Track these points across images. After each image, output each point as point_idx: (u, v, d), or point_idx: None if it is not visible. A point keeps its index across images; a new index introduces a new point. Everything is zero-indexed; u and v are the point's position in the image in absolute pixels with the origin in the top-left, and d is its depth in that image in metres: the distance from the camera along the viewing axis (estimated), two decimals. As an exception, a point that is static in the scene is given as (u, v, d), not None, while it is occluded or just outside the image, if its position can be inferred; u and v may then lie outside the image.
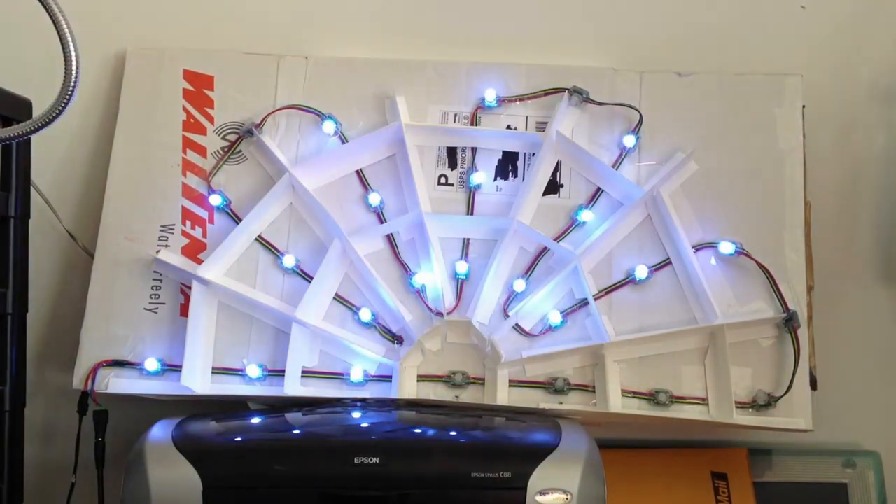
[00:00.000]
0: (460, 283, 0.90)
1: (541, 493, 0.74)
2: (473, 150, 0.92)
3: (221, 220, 0.91)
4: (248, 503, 0.76)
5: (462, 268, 0.89)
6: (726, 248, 0.88)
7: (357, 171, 0.92)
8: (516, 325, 0.89)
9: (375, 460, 0.75)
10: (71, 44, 0.66)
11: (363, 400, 0.87)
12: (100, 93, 0.95)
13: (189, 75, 0.94)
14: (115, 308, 0.89)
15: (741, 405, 0.86)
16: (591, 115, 0.92)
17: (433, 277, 0.89)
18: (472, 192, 0.91)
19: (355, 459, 0.75)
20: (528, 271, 0.90)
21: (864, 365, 0.98)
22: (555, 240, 0.89)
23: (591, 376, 0.88)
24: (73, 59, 0.67)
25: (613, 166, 0.91)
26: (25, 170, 0.88)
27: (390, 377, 0.88)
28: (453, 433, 0.82)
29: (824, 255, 0.94)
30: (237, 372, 0.89)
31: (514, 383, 0.88)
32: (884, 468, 0.97)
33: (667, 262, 0.89)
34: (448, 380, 0.88)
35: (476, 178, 0.91)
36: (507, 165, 0.92)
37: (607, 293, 0.89)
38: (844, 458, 0.97)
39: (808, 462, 0.97)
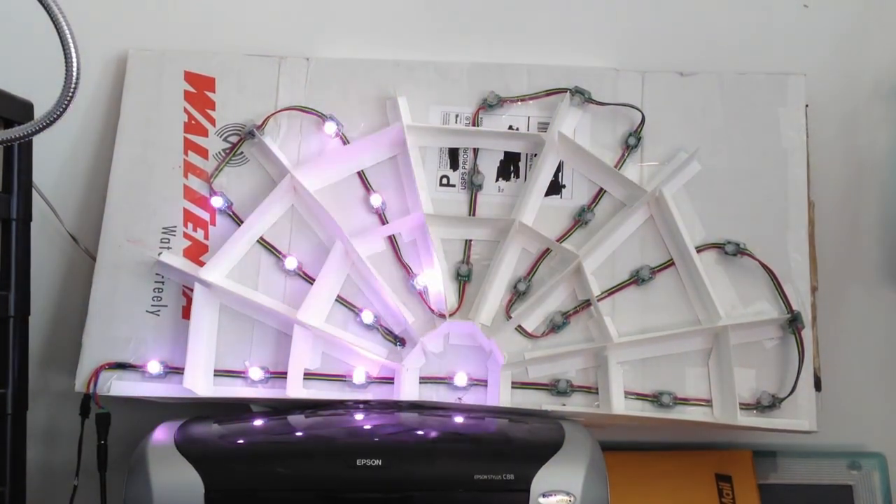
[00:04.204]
0: (462, 285, 0.89)
1: (544, 496, 0.74)
2: (475, 150, 0.92)
3: (223, 222, 0.91)
4: (250, 506, 0.76)
5: (464, 269, 0.89)
6: (729, 248, 0.88)
7: (358, 173, 0.92)
8: (519, 326, 0.88)
9: (378, 462, 0.75)
10: (72, 46, 0.66)
11: (365, 402, 0.87)
12: (101, 95, 0.95)
13: (190, 77, 0.94)
14: (117, 310, 0.89)
15: (745, 407, 0.85)
16: (593, 116, 0.92)
17: (435, 279, 0.89)
18: (473, 193, 0.91)
19: (357, 461, 0.75)
20: (531, 272, 0.89)
21: (869, 366, 0.98)
22: (557, 241, 0.89)
23: (594, 378, 0.87)
24: (74, 60, 0.67)
25: (616, 167, 0.90)
26: (27, 172, 0.88)
27: (392, 379, 0.88)
28: (456, 435, 0.82)
29: (828, 255, 0.93)
30: (239, 374, 0.88)
31: (516, 385, 0.88)
32: (889, 470, 0.96)
33: (670, 263, 0.89)
34: (451, 381, 0.88)
35: (478, 178, 0.91)
36: (509, 166, 0.92)
37: (610, 294, 0.88)
38: (849, 460, 0.96)
39: (812, 464, 0.96)
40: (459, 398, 0.88)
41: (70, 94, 0.67)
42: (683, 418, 0.86)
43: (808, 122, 0.91)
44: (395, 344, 0.89)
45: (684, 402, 0.86)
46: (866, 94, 0.97)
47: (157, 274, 0.90)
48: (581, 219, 0.90)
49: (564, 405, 0.87)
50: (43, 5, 0.66)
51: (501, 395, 0.87)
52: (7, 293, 0.86)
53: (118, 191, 0.92)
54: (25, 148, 0.88)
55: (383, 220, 0.91)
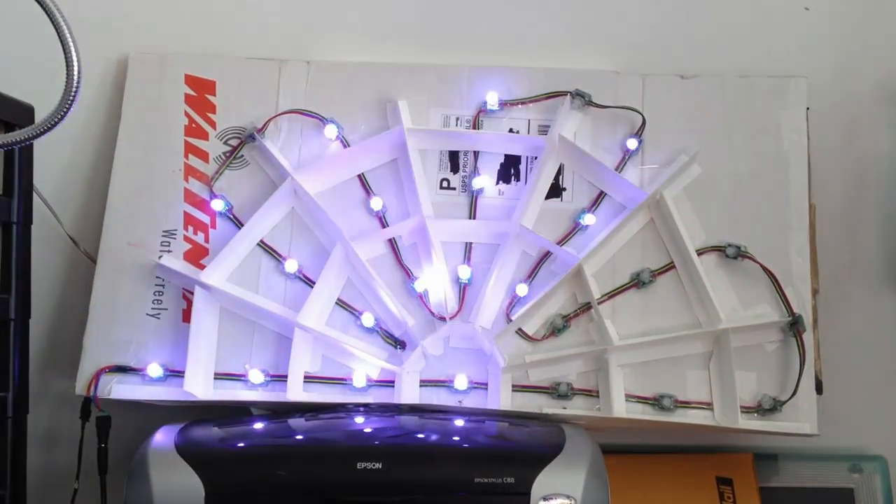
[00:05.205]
0: (463, 288, 0.89)
1: (544, 499, 0.74)
2: (475, 153, 0.92)
3: (223, 225, 0.91)
4: (249, 509, 0.76)
5: (464, 272, 0.89)
6: (730, 251, 0.87)
7: (359, 176, 0.92)
8: (519, 329, 0.88)
9: (378, 466, 0.75)
10: (73, 49, 0.66)
11: (366, 405, 0.87)
12: (102, 98, 0.95)
13: (191, 80, 0.94)
14: (117, 314, 0.89)
15: (746, 410, 0.85)
16: (594, 119, 0.92)
17: (435, 282, 0.89)
18: (474, 196, 0.91)
19: (358, 465, 0.75)
20: (531, 275, 0.89)
21: (870, 369, 0.98)
22: (557, 244, 0.89)
23: (594, 381, 0.87)
24: (75, 64, 0.67)
25: (616, 169, 0.90)
26: (28, 175, 0.88)
27: (393, 382, 0.88)
28: (456, 438, 0.82)
29: (829, 257, 0.93)
30: (239, 377, 0.88)
31: (517, 388, 0.87)
32: (890, 473, 0.96)
33: (670, 266, 0.89)
34: (451, 385, 0.88)
35: (478, 181, 0.91)
36: (510, 169, 0.92)
37: (611, 297, 0.88)
38: (851, 463, 0.96)
39: (814, 467, 0.96)
40: (460, 401, 0.88)
41: (71, 97, 0.67)
42: (684, 421, 0.86)
43: (809, 124, 0.91)
44: (396, 347, 0.89)
45: (685, 405, 0.86)
46: (867, 96, 0.97)
47: (157, 277, 0.90)
48: (581, 222, 0.90)
49: (565, 408, 0.87)
50: (44, 8, 0.66)
51: (502, 399, 0.86)
52: (8, 296, 0.86)
53: (119, 194, 0.92)
54: (26, 151, 0.88)
55: (384, 223, 0.91)
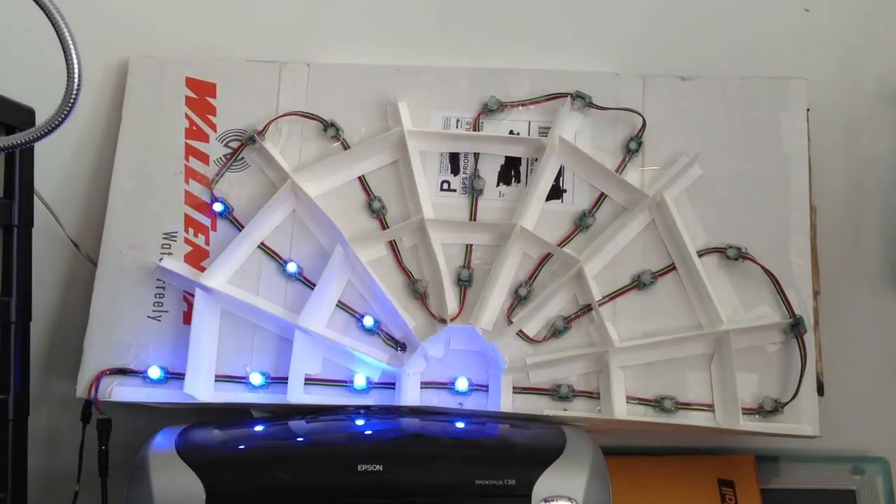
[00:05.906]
0: (463, 290, 0.89)
1: (545, 501, 0.74)
2: (476, 155, 0.92)
3: (224, 228, 0.91)
4: (250, 511, 0.76)
5: (465, 274, 0.89)
6: (731, 252, 0.87)
7: (359, 178, 0.92)
8: (520, 331, 0.88)
9: (379, 468, 0.75)
10: (73, 52, 0.66)
11: (367, 407, 0.87)
12: (102, 101, 0.96)
13: (191, 83, 0.94)
14: (118, 316, 0.89)
15: (747, 411, 0.85)
16: (594, 120, 0.92)
17: (436, 284, 0.89)
18: (474, 198, 0.91)
19: (359, 467, 0.75)
20: (532, 277, 0.89)
21: (872, 370, 0.98)
22: (558, 245, 0.89)
23: (595, 383, 0.87)
24: (76, 67, 0.67)
25: (617, 171, 0.90)
26: (28, 178, 0.88)
27: (394, 384, 0.88)
28: (457, 440, 0.82)
29: (830, 259, 0.93)
30: (240, 380, 0.88)
31: (518, 390, 0.87)
32: (892, 474, 0.96)
33: (671, 268, 0.89)
34: (452, 387, 0.88)
35: (478, 183, 0.91)
36: (510, 171, 0.92)
37: (611, 299, 0.88)
38: (852, 465, 0.96)
39: (815, 469, 0.96)
40: (460, 403, 0.88)
41: (72, 100, 0.67)
42: (685, 423, 0.86)
43: (810, 126, 0.91)
44: (396, 349, 0.89)
45: (686, 406, 0.86)
46: (868, 98, 0.97)
47: (158, 279, 0.90)
48: (582, 223, 0.90)
49: (566, 410, 0.86)
50: (45, 11, 0.66)
51: (503, 400, 0.86)
52: (9, 299, 0.86)
53: (119, 196, 0.92)
54: (27, 154, 0.88)
55: (384, 225, 0.91)
